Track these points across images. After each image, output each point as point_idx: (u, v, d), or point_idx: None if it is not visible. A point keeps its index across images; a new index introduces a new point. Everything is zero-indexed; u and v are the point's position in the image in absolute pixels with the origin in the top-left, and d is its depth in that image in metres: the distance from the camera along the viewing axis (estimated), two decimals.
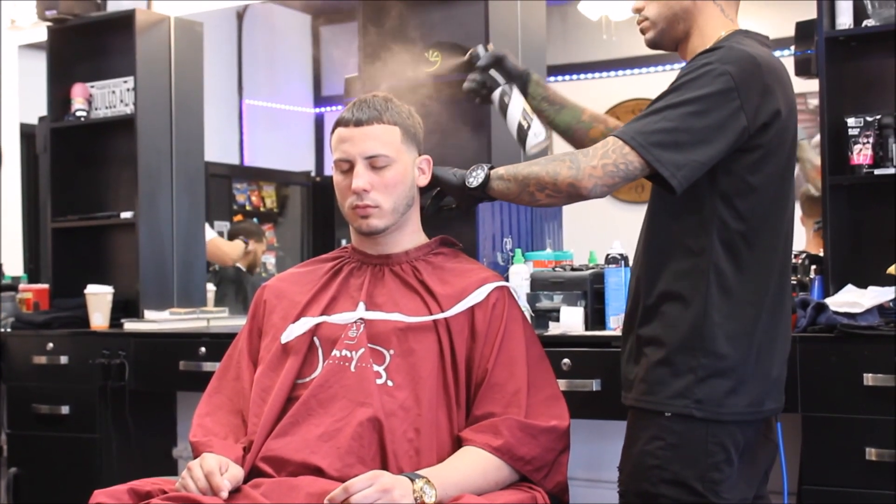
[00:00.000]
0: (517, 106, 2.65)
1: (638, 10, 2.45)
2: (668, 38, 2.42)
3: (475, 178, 2.40)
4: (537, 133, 2.63)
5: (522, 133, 2.64)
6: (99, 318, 4.56)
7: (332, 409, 2.26)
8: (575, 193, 2.25)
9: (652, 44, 2.45)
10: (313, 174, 6.73)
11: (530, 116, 2.65)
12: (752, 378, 2.27)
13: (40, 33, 5.25)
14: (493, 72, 2.68)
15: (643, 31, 2.45)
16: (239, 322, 4.50)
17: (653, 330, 2.32)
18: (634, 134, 2.19)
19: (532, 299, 3.52)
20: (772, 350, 2.31)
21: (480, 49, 2.70)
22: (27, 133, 5.76)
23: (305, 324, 2.38)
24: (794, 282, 3.42)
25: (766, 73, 2.23)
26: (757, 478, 2.37)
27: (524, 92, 2.72)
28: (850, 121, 3.38)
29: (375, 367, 2.29)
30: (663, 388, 2.27)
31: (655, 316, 2.32)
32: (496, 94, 2.67)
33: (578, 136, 2.74)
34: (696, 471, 2.24)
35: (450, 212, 2.54)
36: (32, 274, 5.73)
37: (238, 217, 6.44)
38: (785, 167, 2.30)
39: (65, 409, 4.45)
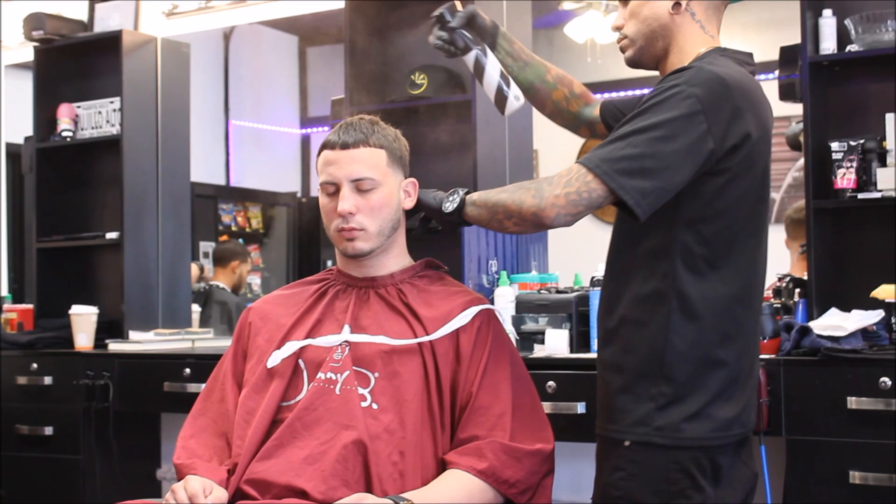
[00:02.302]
0: (494, 69, 2.56)
1: (618, 28, 2.39)
2: (648, 57, 2.36)
3: (451, 202, 2.37)
4: (517, 97, 2.55)
5: (502, 98, 2.55)
6: (83, 338, 4.55)
7: (316, 431, 2.25)
8: (539, 223, 2.19)
9: (631, 62, 2.40)
10: (299, 195, 6.74)
11: (508, 80, 2.57)
12: (717, 403, 2.18)
13: (27, 53, 5.26)
14: (462, 31, 2.57)
15: (623, 50, 2.40)
16: (224, 343, 4.49)
17: (612, 355, 2.27)
18: (599, 162, 2.13)
19: (517, 322, 3.53)
20: (738, 375, 2.22)
21: (446, 11, 2.56)
22: (13, 153, 5.76)
23: (290, 348, 2.37)
24: (778, 305, 3.43)
25: (735, 95, 2.16)
26: (737, 502, 2.29)
27: (492, 46, 2.63)
28: (834, 145, 3.40)
29: (360, 390, 2.29)
30: (623, 415, 2.21)
31: (615, 340, 2.27)
32: (471, 58, 2.56)
33: (540, 96, 2.67)
34: (660, 499, 2.18)
35: (436, 234, 2.54)
36: (17, 294, 5.71)
37: (223, 237, 6.44)
38: (755, 191, 2.23)
39: (48, 430, 4.43)
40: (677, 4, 2.30)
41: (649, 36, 2.33)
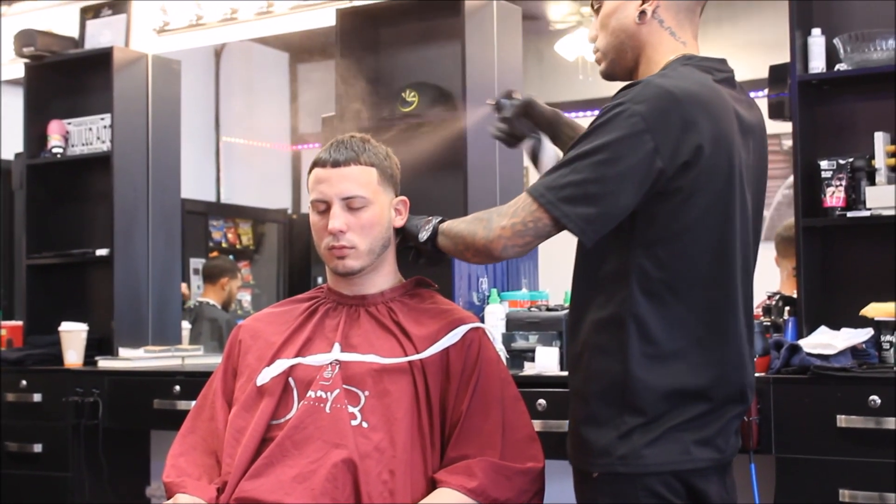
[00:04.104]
0: (550, 160, 2.46)
1: (593, 40, 2.31)
2: (620, 69, 2.26)
3: (425, 232, 2.35)
4: None
5: None
6: (73, 355, 4.55)
7: (306, 450, 2.25)
8: (489, 254, 2.15)
9: (605, 75, 2.31)
10: (290, 212, 6.73)
11: None
12: (683, 428, 2.06)
13: (17, 70, 5.25)
14: (520, 120, 2.48)
15: (597, 63, 2.31)
16: (214, 360, 4.49)
17: (577, 382, 2.19)
18: (544, 190, 2.06)
19: (507, 339, 3.53)
20: (714, 406, 2.09)
21: (504, 99, 2.50)
22: (3, 169, 5.75)
23: (280, 366, 2.37)
24: (768, 323, 3.44)
25: (686, 107, 2.04)
26: None
27: (556, 136, 2.52)
28: (823, 163, 3.41)
29: (350, 409, 2.29)
30: (589, 446, 2.11)
31: (579, 367, 2.18)
32: (526, 147, 2.49)
33: None
34: None
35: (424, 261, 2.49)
36: (6, 311, 5.70)
37: (214, 254, 6.43)
38: (718, 209, 2.09)
39: (37, 448, 4.42)
40: (642, 13, 2.20)
41: (618, 48, 2.25)
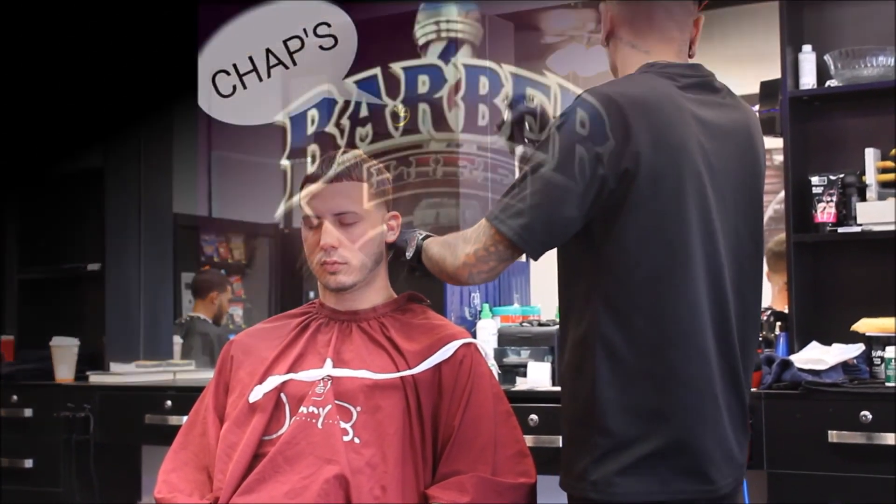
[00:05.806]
0: None
1: None
2: None
3: (410, 249, 2.36)
4: None
5: None
6: (64, 370, 4.53)
7: (298, 466, 2.25)
8: (458, 281, 2.17)
9: None
10: (281, 226, 6.73)
11: None
12: (657, 457, 2.01)
13: None
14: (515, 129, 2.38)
15: None
16: (205, 375, 4.47)
17: (562, 402, 2.18)
18: (497, 212, 2.06)
19: (499, 354, 3.53)
20: (682, 426, 2.03)
21: (513, 101, 2.38)
22: None
23: (272, 382, 2.37)
24: (760, 338, 3.44)
25: (627, 112, 2.00)
26: None
27: None
28: (814, 179, 3.42)
29: (342, 424, 2.29)
30: (570, 467, 2.10)
31: (563, 387, 2.17)
32: (518, 152, 2.42)
33: None
34: None
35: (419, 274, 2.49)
36: None
37: (205, 268, 6.42)
38: (676, 220, 2.04)
39: (28, 463, 4.40)
40: (605, 39, 2.26)
41: (613, 75, 2.27)
